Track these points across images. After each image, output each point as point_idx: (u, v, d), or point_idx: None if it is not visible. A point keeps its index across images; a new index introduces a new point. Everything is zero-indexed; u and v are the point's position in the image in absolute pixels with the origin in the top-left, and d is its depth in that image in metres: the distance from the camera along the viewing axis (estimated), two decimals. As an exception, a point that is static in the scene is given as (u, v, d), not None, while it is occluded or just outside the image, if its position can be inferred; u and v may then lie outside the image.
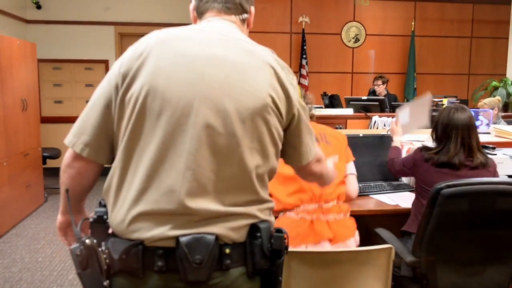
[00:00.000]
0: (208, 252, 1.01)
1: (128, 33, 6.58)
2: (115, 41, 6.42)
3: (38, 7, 6.21)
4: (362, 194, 2.36)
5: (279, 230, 1.13)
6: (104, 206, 1.11)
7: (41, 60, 5.75)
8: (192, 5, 1.26)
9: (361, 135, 2.71)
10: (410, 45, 6.89)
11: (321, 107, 5.34)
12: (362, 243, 1.91)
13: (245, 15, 1.25)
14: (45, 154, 5.21)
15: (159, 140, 1.04)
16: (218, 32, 1.15)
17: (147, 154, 1.04)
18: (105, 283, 1.04)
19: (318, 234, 1.79)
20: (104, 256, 1.04)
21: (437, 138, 2.12)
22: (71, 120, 4.68)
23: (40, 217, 4.66)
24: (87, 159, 1.12)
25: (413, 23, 6.89)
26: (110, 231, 1.09)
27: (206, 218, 1.04)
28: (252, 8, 1.28)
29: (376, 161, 2.61)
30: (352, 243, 1.86)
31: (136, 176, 1.05)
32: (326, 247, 1.77)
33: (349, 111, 4.78)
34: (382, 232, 2.03)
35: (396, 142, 2.50)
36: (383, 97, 5.32)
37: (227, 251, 1.04)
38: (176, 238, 1.02)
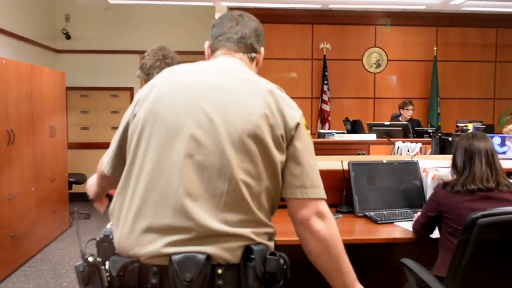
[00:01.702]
0: (198, 271, 1.03)
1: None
2: (140, 69, 6.58)
3: (68, 37, 6.46)
4: (387, 221, 2.31)
5: (274, 254, 1.12)
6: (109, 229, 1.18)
7: (69, 88, 5.94)
8: (207, 43, 1.36)
9: (384, 161, 2.67)
10: (433, 70, 6.84)
11: (343, 133, 5.30)
12: (387, 275, 1.86)
13: (253, 54, 1.33)
14: (71, 179, 5.31)
15: (155, 159, 1.11)
16: (220, 65, 1.24)
17: (144, 173, 1.11)
18: None
19: None
20: (107, 274, 1.08)
21: (458, 167, 2.02)
22: (97, 146, 4.79)
23: (65, 242, 4.71)
24: (105, 173, 1.30)
25: (435, 48, 6.86)
26: (116, 250, 1.14)
27: (201, 236, 1.06)
28: (262, 49, 1.37)
29: (401, 187, 2.56)
30: None
31: (135, 194, 1.11)
32: None
33: (372, 137, 4.74)
34: (409, 262, 1.97)
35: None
36: (406, 122, 5.26)
37: (219, 271, 1.05)
38: (169, 256, 1.05)
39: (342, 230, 2.19)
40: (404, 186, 2.56)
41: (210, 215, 1.07)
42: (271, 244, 1.16)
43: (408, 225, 2.29)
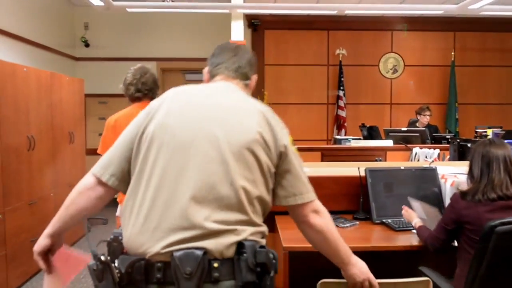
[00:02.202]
0: (197, 265, 1.17)
1: (169, 68, 6.83)
2: (157, 75, 6.65)
3: (86, 45, 6.58)
4: (405, 229, 2.28)
5: (263, 247, 1.27)
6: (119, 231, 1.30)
7: (88, 94, 6.03)
8: (206, 69, 1.55)
9: (402, 167, 2.64)
10: (451, 75, 6.76)
11: (360, 139, 5.27)
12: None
13: (247, 81, 1.53)
14: (89, 185, 5.37)
15: (165, 167, 1.25)
16: (222, 88, 1.44)
17: (154, 180, 1.25)
18: None
19: None
20: (117, 270, 1.21)
21: (475, 175, 1.96)
22: None
23: (83, 247, 4.77)
24: (107, 184, 1.34)
25: (453, 53, 6.78)
26: (125, 249, 1.27)
27: (200, 235, 1.20)
28: (254, 76, 1.56)
29: (419, 194, 2.52)
30: None
31: (145, 199, 1.24)
32: None
33: (389, 143, 4.70)
34: (427, 271, 1.93)
35: (417, 222, 2.20)
36: (424, 128, 5.19)
37: (216, 265, 1.19)
38: (171, 253, 1.19)
39: (359, 237, 2.20)
40: (422, 193, 2.52)
41: (211, 215, 1.21)
42: (263, 241, 1.31)
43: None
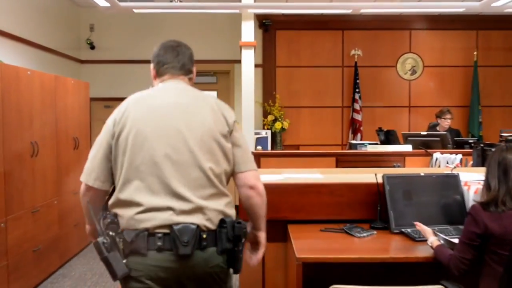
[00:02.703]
0: (192, 236, 1.59)
1: (177, 70, 6.86)
2: (164, 78, 6.69)
3: (92, 47, 6.66)
4: (424, 239, 2.24)
5: (239, 222, 1.70)
6: (114, 215, 1.68)
7: (93, 98, 6.08)
8: (152, 65, 1.91)
9: (422, 174, 2.61)
10: (473, 76, 6.69)
11: (377, 143, 5.23)
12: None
13: (190, 75, 1.91)
14: (94, 192, 5.40)
15: (147, 162, 1.64)
16: (174, 87, 1.81)
17: (141, 173, 1.64)
18: (124, 260, 1.61)
19: None
20: (121, 242, 1.62)
21: (491, 184, 1.91)
22: None
23: (87, 257, 4.79)
24: (95, 188, 1.73)
25: (475, 52, 6.72)
26: (122, 227, 1.65)
27: (189, 210, 1.62)
28: (194, 68, 1.93)
29: (440, 202, 2.49)
30: None
31: (140, 185, 1.64)
32: None
33: (408, 148, 4.66)
34: (450, 285, 1.89)
35: (433, 241, 2.11)
36: (445, 132, 5.14)
37: (204, 236, 1.63)
38: (170, 226, 1.60)
39: (377, 247, 2.18)
40: (444, 201, 2.49)
41: (191, 194, 1.64)
42: (234, 212, 1.74)
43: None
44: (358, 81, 6.70)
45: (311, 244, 2.25)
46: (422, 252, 2.12)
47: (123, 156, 1.67)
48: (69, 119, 4.68)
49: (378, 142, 5.37)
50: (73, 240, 4.72)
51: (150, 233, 1.60)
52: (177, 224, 1.60)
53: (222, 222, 1.68)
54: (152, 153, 1.65)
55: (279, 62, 6.81)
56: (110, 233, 1.64)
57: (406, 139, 5.00)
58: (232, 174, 1.79)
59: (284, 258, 2.60)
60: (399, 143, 5.14)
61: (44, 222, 4.08)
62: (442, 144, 4.79)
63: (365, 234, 2.33)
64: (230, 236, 1.67)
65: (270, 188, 2.57)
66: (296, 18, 6.63)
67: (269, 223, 2.58)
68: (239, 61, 5.38)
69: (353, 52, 6.78)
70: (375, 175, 2.49)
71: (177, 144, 1.66)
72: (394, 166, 4.17)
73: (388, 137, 5.29)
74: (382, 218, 2.46)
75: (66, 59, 6.22)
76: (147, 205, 1.62)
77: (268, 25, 6.68)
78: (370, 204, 2.52)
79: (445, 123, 5.61)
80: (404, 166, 4.38)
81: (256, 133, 5.89)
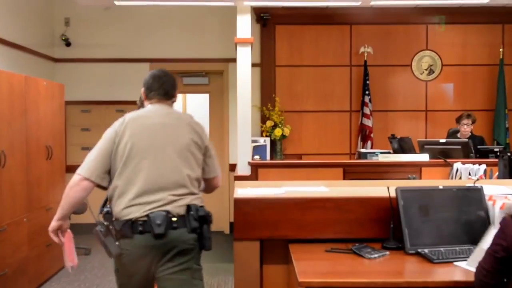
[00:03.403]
0: (163, 220, 2.35)
1: (164, 70, 6.87)
2: (149, 79, 6.70)
3: (67, 44, 6.67)
4: (444, 261, 2.24)
5: (202, 206, 2.49)
6: (110, 207, 2.47)
7: (68, 102, 6.09)
8: (142, 89, 2.68)
9: (440, 187, 2.61)
10: (499, 75, 6.72)
11: (389, 152, 5.25)
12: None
13: (173, 99, 2.68)
14: (69, 208, 5.38)
15: (139, 168, 2.42)
16: (160, 110, 2.61)
17: (133, 176, 2.42)
18: (117, 243, 2.38)
19: None
20: (113, 229, 2.39)
21: None
22: None
23: (62, 282, 4.77)
24: (94, 182, 2.44)
25: (501, 49, 6.76)
26: (114, 218, 2.42)
27: (165, 203, 2.39)
28: (177, 92, 2.70)
29: (461, 219, 2.49)
30: None
31: (131, 185, 2.41)
32: None
33: (424, 157, 4.68)
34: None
35: None
36: (467, 140, 5.16)
37: (174, 219, 2.38)
38: (147, 215, 2.36)
39: (390, 270, 2.18)
40: (466, 218, 2.49)
41: (166, 193, 2.41)
42: (202, 203, 2.51)
43: (471, 266, 2.21)
44: (368, 82, 6.73)
45: (316, 267, 2.24)
46: (441, 275, 2.12)
47: (120, 161, 2.45)
48: (41, 125, 4.68)
49: (391, 151, 5.38)
50: (45, 263, 4.70)
51: (133, 222, 2.38)
52: (153, 212, 2.38)
53: (188, 208, 2.44)
54: (142, 161, 2.44)
55: (279, 61, 6.83)
56: (105, 223, 2.42)
57: (423, 148, 5.01)
58: (203, 178, 2.65)
59: (285, 282, 2.59)
60: (414, 152, 5.16)
61: (12, 243, 4.06)
62: (464, 153, 4.81)
63: (376, 255, 2.32)
64: (196, 217, 2.43)
65: (269, 203, 2.59)
66: (298, 11, 6.67)
67: (267, 243, 2.58)
68: (234, 60, 5.39)
69: (362, 49, 6.81)
70: (388, 188, 2.49)
71: (161, 155, 2.48)
72: (409, 178, 4.18)
73: (402, 145, 5.31)
74: (395, 237, 2.46)
75: (38, 58, 6.23)
76: (132, 202, 2.40)
77: (266, 19, 6.71)
78: (382, 221, 2.52)
79: (464, 129, 5.61)
80: (420, 178, 4.39)
81: (253, 141, 5.88)
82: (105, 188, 2.49)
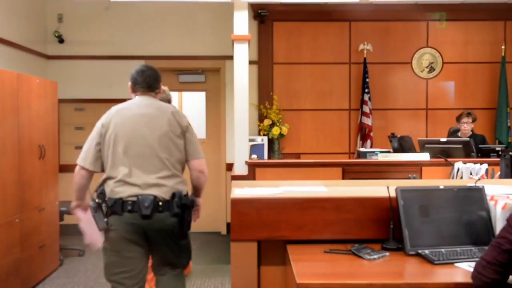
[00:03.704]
0: (151, 203, 2.73)
1: (160, 68, 6.81)
2: (144, 77, 6.69)
3: (61, 41, 6.65)
4: (445, 262, 2.24)
5: (186, 195, 2.90)
6: (103, 188, 2.87)
7: (62, 100, 6.07)
8: (129, 84, 3.10)
9: (441, 187, 2.62)
10: (501, 73, 6.73)
11: (389, 152, 5.26)
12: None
13: (156, 91, 3.09)
14: (62, 208, 5.38)
15: (123, 154, 2.83)
16: (143, 101, 3.01)
17: (119, 161, 2.83)
18: (105, 219, 2.79)
19: None
20: (104, 206, 2.81)
21: None
22: None
23: (54, 284, 4.76)
24: (89, 169, 2.92)
25: (503, 47, 6.77)
26: (107, 197, 2.83)
27: (149, 186, 2.78)
28: (160, 84, 3.13)
29: (462, 219, 2.50)
30: None
31: (118, 169, 2.83)
32: None
33: (425, 156, 4.69)
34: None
35: None
36: (468, 139, 5.17)
37: (160, 203, 2.76)
38: (136, 196, 2.75)
39: (390, 271, 2.18)
40: (467, 218, 2.50)
41: (153, 175, 2.81)
42: (185, 188, 2.90)
43: (472, 267, 2.22)
44: (367, 80, 6.73)
45: (314, 268, 2.24)
46: (442, 277, 2.12)
47: (108, 150, 2.90)
48: (33, 124, 4.67)
49: (391, 150, 5.39)
50: (38, 264, 4.69)
51: (123, 200, 2.80)
52: (141, 195, 2.79)
53: (173, 195, 2.84)
54: (125, 150, 2.86)
55: (277, 59, 6.83)
56: (97, 200, 2.85)
57: (423, 147, 5.02)
58: (186, 161, 3.01)
59: (283, 284, 2.60)
60: (415, 151, 5.17)
61: (3, 244, 4.05)
62: (465, 152, 4.82)
63: (376, 256, 2.32)
64: (178, 204, 2.84)
65: (266, 203, 2.59)
66: (296, 8, 6.67)
67: (265, 244, 2.58)
68: (231, 57, 5.39)
69: (362, 46, 6.81)
70: (387, 188, 2.50)
71: (142, 142, 2.89)
72: (409, 178, 4.18)
73: (402, 144, 5.31)
74: (395, 237, 2.46)
75: (30, 54, 6.22)
76: (120, 183, 2.83)
77: (264, 15, 6.71)
78: (382, 222, 2.53)
79: (464, 127, 5.62)
80: (420, 178, 4.39)
81: (250, 140, 5.89)
82: (103, 171, 2.96)
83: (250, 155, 5.92)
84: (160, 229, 2.82)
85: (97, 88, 6.75)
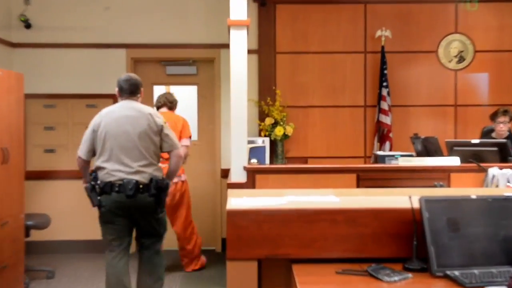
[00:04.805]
0: (133, 186, 4.10)
1: (143, 58, 6.89)
2: (126, 68, 6.71)
3: (27, 25, 6.64)
4: (478, 285, 2.23)
5: (162, 179, 4.30)
6: (96, 174, 4.27)
7: (29, 95, 6.06)
8: (116, 90, 4.42)
9: (473, 196, 2.60)
10: (541, 64, 6.73)
11: (411, 155, 5.24)
12: None
13: (138, 95, 4.42)
14: (29, 223, 5.37)
15: (112, 147, 4.22)
16: (127, 105, 4.37)
17: (108, 151, 4.22)
18: (99, 197, 4.18)
19: None
20: (97, 187, 4.19)
21: None
22: (67, 175, 5.07)
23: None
24: (84, 159, 4.35)
25: (544, 33, 6.78)
26: (99, 180, 4.24)
27: (132, 172, 4.16)
28: (142, 89, 4.49)
29: (499, 235, 2.48)
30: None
31: (108, 159, 4.21)
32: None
33: (454, 161, 4.68)
34: None
35: None
36: (505, 140, 5.15)
37: (141, 186, 4.14)
38: (122, 180, 4.13)
39: (413, 297, 2.16)
40: (504, 233, 2.49)
41: (134, 163, 4.18)
42: (161, 174, 4.33)
43: (510, 290, 2.20)
44: (386, 72, 6.73)
45: None
46: (474, 302, 2.10)
47: (99, 143, 4.19)
48: (-5, 123, 4.65)
49: (414, 154, 5.38)
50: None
51: (112, 183, 4.09)
52: (126, 179, 4.08)
53: (151, 180, 4.15)
54: (112, 144, 4.15)
55: (280, 47, 6.84)
56: (92, 182, 4.16)
57: (452, 150, 5.01)
58: (167, 152, 4.40)
59: (287, 311, 2.58)
60: (441, 155, 5.16)
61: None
62: (501, 156, 4.81)
63: (396, 278, 2.31)
64: (155, 187, 4.16)
65: (268, 216, 2.58)
66: (303, -12, 6.68)
67: (267, 263, 2.57)
68: (226, 46, 5.37)
69: (379, 33, 6.80)
70: (410, 197, 2.49)
71: (126, 138, 4.17)
72: (435, 186, 4.17)
73: (427, 147, 5.30)
74: (419, 256, 2.45)
75: (-7, 42, 6.21)
76: (109, 169, 4.13)
77: (265, -3, 6.72)
78: (403, 237, 2.53)
79: (499, 128, 5.61)
80: (449, 186, 4.38)
81: (249, 142, 5.87)
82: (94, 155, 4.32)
83: (249, 159, 5.91)
84: (140, 206, 4.18)
85: (70, 82, 6.74)
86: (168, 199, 4.66)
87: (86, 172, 4.32)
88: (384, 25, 6.81)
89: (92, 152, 4.28)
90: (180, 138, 5.48)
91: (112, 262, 4.24)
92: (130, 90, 4.35)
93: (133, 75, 4.55)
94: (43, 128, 6.73)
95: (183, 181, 5.82)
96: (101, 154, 4.21)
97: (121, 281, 4.22)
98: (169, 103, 6.04)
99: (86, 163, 4.33)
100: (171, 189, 4.73)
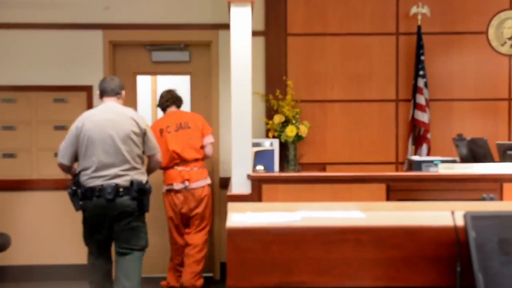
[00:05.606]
0: (113, 189, 4.92)
1: (124, 41, 6.91)
2: (104, 54, 6.74)
3: (-17, 3, 6.68)
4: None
5: (146, 182, 5.16)
6: (77, 175, 5.10)
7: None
8: (98, 92, 5.33)
9: (530, 211, 2.61)
10: None
11: (454, 161, 5.25)
12: None
13: (119, 95, 5.29)
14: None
15: (94, 151, 5.02)
16: (109, 108, 5.21)
17: (90, 156, 5.02)
18: (81, 202, 4.99)
19: (182, 177, 6.08)
20: (79, 192, 5.00)
21: None
22: (30, 186, 5.08)
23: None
24: (66, 164, 5.18)
25: None
26: (82, 184, 5.07)
27: (113, 176, 4.98)
28: (123, 91, 5.37)
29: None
30: (200, 183, 6.13)
31: (91, 164, 5.01)
32: (186, 183, 6.08)
33: (507, 168, 4.67)
34: None
35: None
36: None
37: (121, 190, 4.96)
38: (102, 185, 4.95)
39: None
40: None
41: (117, 168, 4.99)
42: (145, 177, 5.19)
43: None
44: (422, 58, 6.73)
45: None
46: None
47: (82, 147, 4.93)
48: None
49: (457, 159, 5.39)
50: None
51: (92, 188, 4.86)
52: (106, 183, 4.84)
53: (131, 182, 4.90)
54: (95, 148, 4.90)
55: (292, 28, 6.86)
56: (73, 187, 4.91)
57: (505, 154, 5.01)
58: (147, 155, 5.26)
59: None
60: (492, 161, 5.16)
61: None
62: None
63: (436, 312, 2.32)
64: (136, 190, 4.92)
65: (278, 235, 2.59)
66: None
67: (275, 294, 2.58)
68: (226, 27, 5.39)
69: (414, 10, 6.80)
70: (452, 213, 2.50)
71: (109, 142, 4.92)
72: (483, 199, 4.17)
73: (474, 151, 5.31)
74: (463, 285, 2.46)
75: None
76: (91, 174, 4.88)
77: (274, -34, 6.74)
78: (444, 262, 2.54)
79: None
80: (501, 199, 4.38)
81: (254, 145, 5.89)
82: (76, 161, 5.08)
83: (255, 166, 5.93)
84: (120, 210, 4.88)
85: (36, 71, 6.74)
86: (193, 204, 5.97)
87: (71, 172, 5.13)
88: (421, 1, 6.81)
89: (75, 157, 5.04)
90: (202, 136, 6.21)
91: (94, 262, 5.13)
92: (113, 91, 5.16)
93: (114, 77, 5.50)
94: (1, 127, 6.72)
95: (209, 184, 6.30)
96: (84, 159, 4.96)
97: (107, 273, 5.19)
98: (177, 100, 6.48)
99: (69, 168, 5.12)
100: (198, 192, 6.00)
